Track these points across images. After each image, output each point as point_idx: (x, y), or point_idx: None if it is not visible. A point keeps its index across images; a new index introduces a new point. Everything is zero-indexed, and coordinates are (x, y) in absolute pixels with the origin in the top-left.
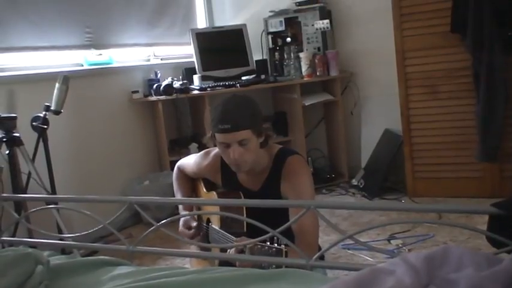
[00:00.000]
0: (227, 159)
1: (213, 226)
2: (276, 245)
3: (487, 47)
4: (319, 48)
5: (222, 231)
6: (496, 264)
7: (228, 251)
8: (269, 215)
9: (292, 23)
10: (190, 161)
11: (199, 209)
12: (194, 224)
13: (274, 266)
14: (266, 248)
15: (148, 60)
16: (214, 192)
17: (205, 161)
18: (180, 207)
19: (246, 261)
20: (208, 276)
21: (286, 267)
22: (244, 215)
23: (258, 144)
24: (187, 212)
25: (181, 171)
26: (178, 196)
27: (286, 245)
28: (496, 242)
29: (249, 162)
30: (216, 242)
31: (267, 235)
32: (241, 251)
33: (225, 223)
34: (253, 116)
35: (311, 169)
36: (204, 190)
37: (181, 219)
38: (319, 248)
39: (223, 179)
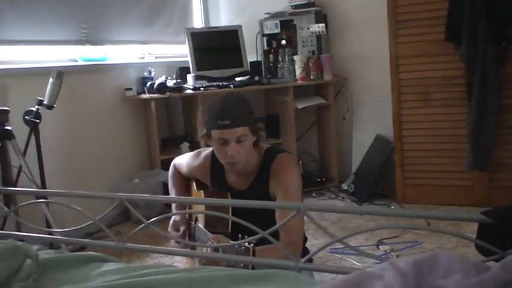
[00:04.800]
0: (223, 157)
1: (199, 225)
2: (247, 244)
3: (481, 56)
4: (313, 52)
5: (204, 230)
6: (484, 272)
7: (205, 249)
8: (256, 215)
9: (287, 25)
10: (183, 161)
11: (190, 207)
12: (182, 228)
13: (242, 265)
14: (236, 246)
15: (143, 58)
16: (202, 192)
17: (195, 161)
18: (173, 205)
19: (222, 260)
20: (196, 275)
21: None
22: (230, 214)
23: (252, 143)
24: (176, 211)
25: (176, 169)
26: (173, 194)
27: (256, 243)
28: (485, 250)
29: (244, 160)
30: (200, 241)
31: (256, 236)
32: (216, 250)
33: (209, 223)
34: (251, 114)
35: (301, 172)
36: (195, 189)
37: (172, 219)
38: (306, 250)
39: (212, 180)
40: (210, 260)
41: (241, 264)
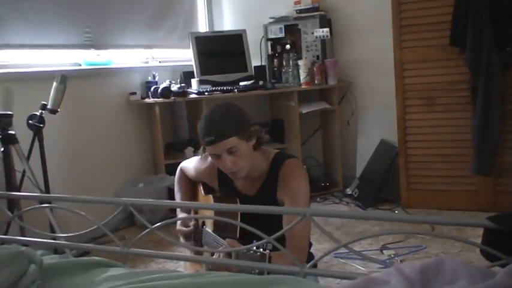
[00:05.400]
0: (222, 169)
1: (207, 229)
2: (261, 249)
3: (485, 61)
4: (318, 57)
5: (214, 235)
6: (489, 277)
7: (215, 255)
8: (263, 220)
9: (292, 30)
10: (190, 165)
11: (196, 212)
12: (192, 222)
13: (257, 271)
14: (251, 252)
15: (147, 62)
16: (211, 196)
17: (203, 165)
18: (178, 209)
19: (234, 266)
20: (201, 280)
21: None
22: (239, 220)
23: (251, 148)
24: (183, 214)
25: (183, 173)
26: (178, 198)
27: (271, 250)
28: (490, 256)
29: (244, 168)
30: (208, 245)
31: (262, 241)
32: (228, 255)
33: (218, 227)
34: (238, 122)
35: None
36: (202, 193)
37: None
38: (310, 255)
39: (220, 184)
40: (221, 265)
41: (256, 270)
